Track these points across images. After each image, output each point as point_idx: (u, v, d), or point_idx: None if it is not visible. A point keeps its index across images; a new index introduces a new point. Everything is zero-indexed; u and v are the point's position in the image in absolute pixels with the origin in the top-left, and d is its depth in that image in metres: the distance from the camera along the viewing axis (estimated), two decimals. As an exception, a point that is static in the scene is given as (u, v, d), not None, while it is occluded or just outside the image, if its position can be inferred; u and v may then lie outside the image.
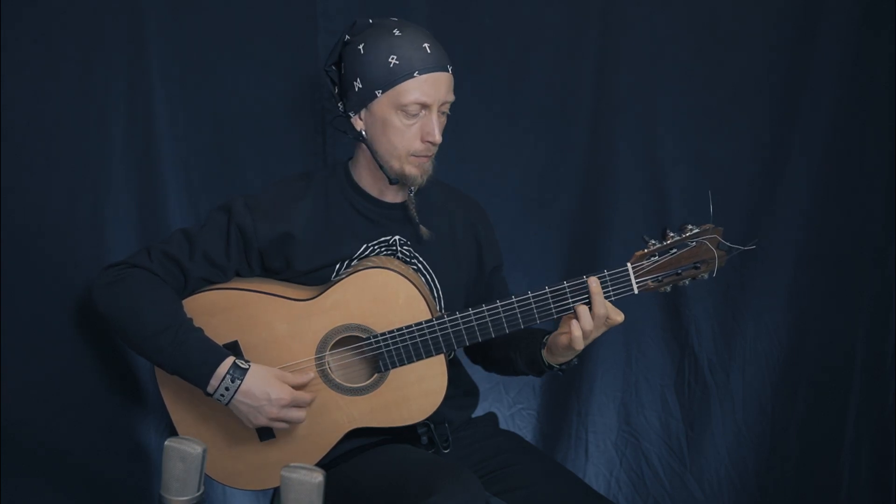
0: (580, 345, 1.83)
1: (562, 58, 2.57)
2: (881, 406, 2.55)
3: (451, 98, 1.90)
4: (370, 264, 1.88)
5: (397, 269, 1.86)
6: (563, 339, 1.85)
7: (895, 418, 2.52)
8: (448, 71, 1.88)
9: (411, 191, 1.96)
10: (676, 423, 2.71)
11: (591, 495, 1.93)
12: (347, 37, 1.91)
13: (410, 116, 1.86)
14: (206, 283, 1.91)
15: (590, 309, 1.81)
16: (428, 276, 1.98)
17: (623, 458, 2.72)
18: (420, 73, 1.84)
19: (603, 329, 1.84)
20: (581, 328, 1.81)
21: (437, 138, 1.88)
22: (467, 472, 1.75)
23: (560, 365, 1.92)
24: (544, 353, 1.91)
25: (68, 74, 2.19)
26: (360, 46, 1.87)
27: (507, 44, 2.54)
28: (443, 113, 1.91)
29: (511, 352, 2.03)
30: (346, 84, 1.91)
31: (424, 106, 1.86)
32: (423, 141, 1.88)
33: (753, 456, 2.70)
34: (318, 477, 1.56)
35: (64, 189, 2.21)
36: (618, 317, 1.83)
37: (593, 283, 1.80)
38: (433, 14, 2.46)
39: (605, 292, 1.81)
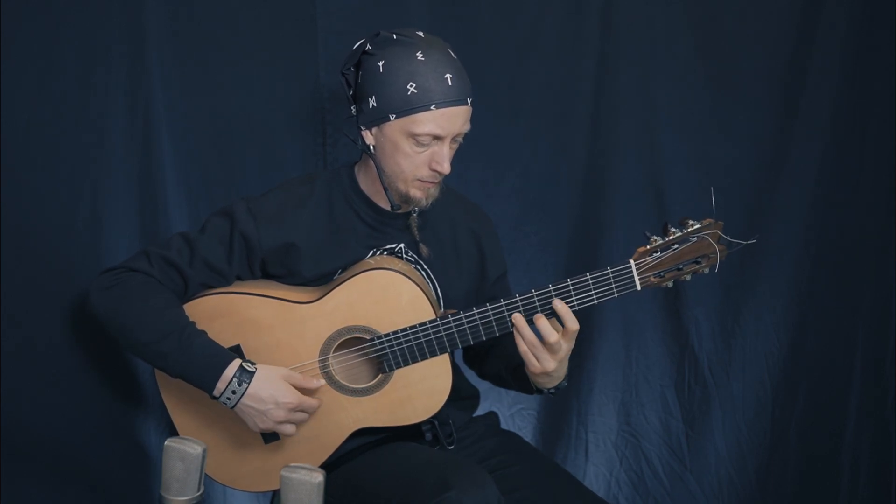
0: (531, 361, 1.81)
1: (562, 58, 2.57)
2: (881, 406, 2.55)
3: (467, 129, 1.87)
4: (373, 265, 1.87)
5: (400, 270, 1.86)
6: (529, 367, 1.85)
7: (895, 418, 2.52)
8: (467, 104, 1.84)
9: (415, 210, 1.95)
10: (676, 423, 2.71)
11: (588, 497, 1.92)
12: (369, 46, 1.86)
13: (421, 145, 1.83)
14: (207, 287, 1.90)
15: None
16: (431, 284, 1.98)
17: (623, 458, 2.72)
18: (437, 107, 1.80)
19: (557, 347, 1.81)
20: (524, 342, 1.81)
21: (446, 169, 1.85)
22: (481, 470, 1.74)
23: (549, 389, 1.91)
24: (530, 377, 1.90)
25: (68, 74, 2.19)
26: (380, 64, 1.82)
27: (508, 44, 2.54)
28: (455, 141, 1.88)
29: (504, 371, 2.03)
30: (360, 94, 1.88)
31: (437, 137, 1.83)
32: (431, 169, 1.86)
33: (753, 456, 2.70)
34: (318, 477, 1.55)
35: (64, 189, 2.22)
36: (570, 325, 1.80)
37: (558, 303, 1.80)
38: (433, 14, 2.46)
39: (607, 289, 1.81)
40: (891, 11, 2.47)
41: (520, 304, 1.82)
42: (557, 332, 1.80)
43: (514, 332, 1.82)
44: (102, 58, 2.21)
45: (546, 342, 1.79)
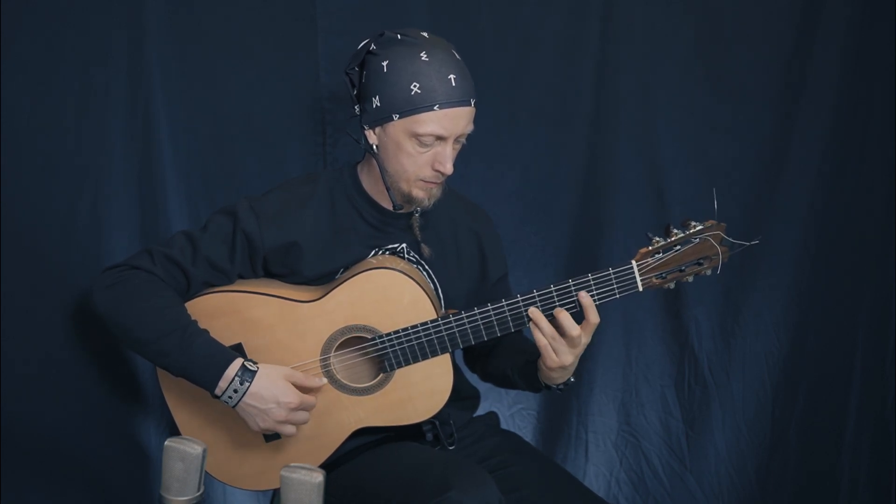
0: (549, 354, 1.81)
1: (562, 58, 2.57)
2: (881, 406, 2.55)
3: (470, 129, 1.87)
4: (375, 264, 1.87)
5: (401, 269, 1.86)
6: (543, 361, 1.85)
7: (895, 418, 2.52)
8: (471, 104, 1.84)
9: (417, 211, 1.95)
10: (676, 423, 2.71)
11: (588, 497, 1.93)
12: (373, 46, 1.86)
13: (424, 145, 1.83)
14: (209, 286, 1.90)
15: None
16: (432, 284, 1.98)
17: (623, 458, 2.72)
18: (441, 108, 1.80)
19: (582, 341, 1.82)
20: (543, 335, 1.81)
21: (448, 170, 1.85)
22: (481, 470, 1.75)
23: (557, 385, 1.92)
24: (539, 373, 1.90)
25: (68, 74, 2.19)
26: (384, 63, 1.82)
27: (507, 44, 2.54)
28: (458, 142, 1.88)
29: (508, 370, 2.02)
30: (364, 94, 1.88)
31: (440, 138, 1.83)
32: (433, 169, 1.86)
33: (753, 456, 2.70)
34: (318, 477, 1.55)
35: (64, 189, 2.22)
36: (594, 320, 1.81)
37: (584, 297, 1.80)
38: (432, 14, 2.46)
39: (609, 290, 1.81)
40: (891, 11, 2.47)
41: (521, 304, 1.82)
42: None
43: (532, 327, 1.82)
44: (102, 58, 2.22)
45: (568, 335, 1.79)
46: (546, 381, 1.91)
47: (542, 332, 1.80)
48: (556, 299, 1.81)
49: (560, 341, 1.80)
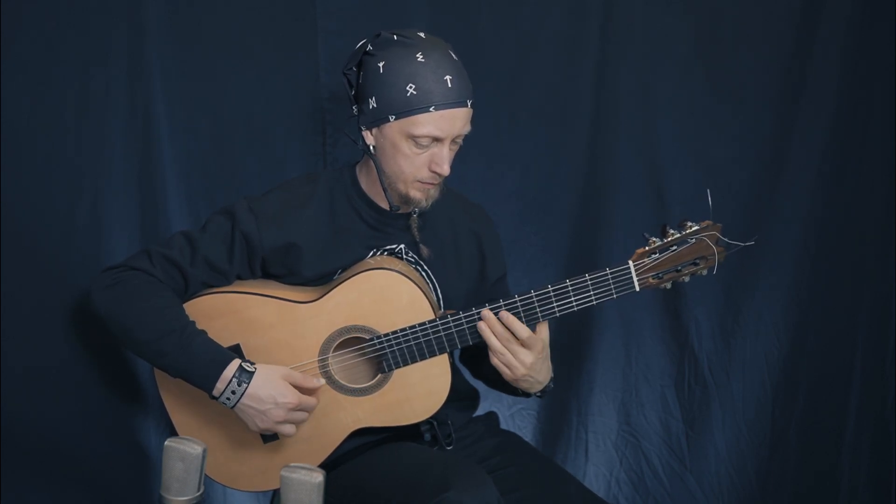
0: (503, 370, 1.85)
1: (562, 58, 2.57)
2: (881, 406, 2.55)
3: (467, 130, 1.87)
4: (373, 265, 1.87)
5: (399, 270, 1.86)
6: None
7: (895, 418, 2.52)
8: (467, 105, 1.84)
9: (415, 211, 1.95)
10: (676, 423, 2.71)
11: (588, 497, 1.93)
12: (370, 47, 1.85)
13: (421, 146, 1.83)
14: (207, 286, 1.90)
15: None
16: (431, 284, 1.98)
17: (623, 458, 2.72)
18: (437, 109, 1.80)
19: (521, 352, 1.84)
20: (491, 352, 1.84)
21: (445, 171, 1.85)
22: (481, 470, 1.75)
23: (535, 392, 1.94)
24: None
25: (68, 74, 2.19)
26: (381, 65, 1.82)
27: (507, 44, 2.54)
28: (455, 143, 1.88)
29: (493, 374, 2.01)
30: (361, 95, 1.88)
31: (436, 139, 1.83)
32: (430, 170, 1.86)
33: (753, 456, 2.70)
34: (318, 477, 1.55)
35: (64, 189, 2.22)
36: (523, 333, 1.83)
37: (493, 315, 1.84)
38: (433, 14, 2.46)
39: (606, 290, 1.81)
40: (891, 11, 2.47)
41: (519, 305, 1.82)
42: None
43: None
44: (102, 58, 2.22)
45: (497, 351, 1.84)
46: (524, 388, 1.93)
47: (491, 349, 1.84)
48: (553, 299, 1.81)
49: (507, 356, 1.83)
